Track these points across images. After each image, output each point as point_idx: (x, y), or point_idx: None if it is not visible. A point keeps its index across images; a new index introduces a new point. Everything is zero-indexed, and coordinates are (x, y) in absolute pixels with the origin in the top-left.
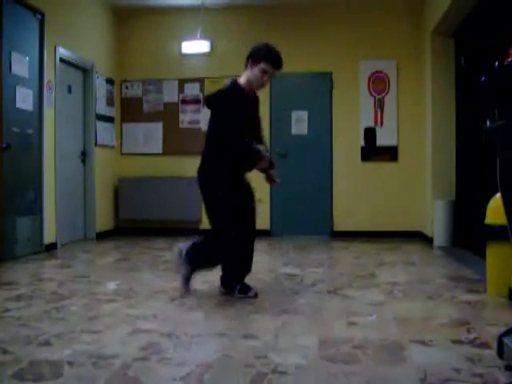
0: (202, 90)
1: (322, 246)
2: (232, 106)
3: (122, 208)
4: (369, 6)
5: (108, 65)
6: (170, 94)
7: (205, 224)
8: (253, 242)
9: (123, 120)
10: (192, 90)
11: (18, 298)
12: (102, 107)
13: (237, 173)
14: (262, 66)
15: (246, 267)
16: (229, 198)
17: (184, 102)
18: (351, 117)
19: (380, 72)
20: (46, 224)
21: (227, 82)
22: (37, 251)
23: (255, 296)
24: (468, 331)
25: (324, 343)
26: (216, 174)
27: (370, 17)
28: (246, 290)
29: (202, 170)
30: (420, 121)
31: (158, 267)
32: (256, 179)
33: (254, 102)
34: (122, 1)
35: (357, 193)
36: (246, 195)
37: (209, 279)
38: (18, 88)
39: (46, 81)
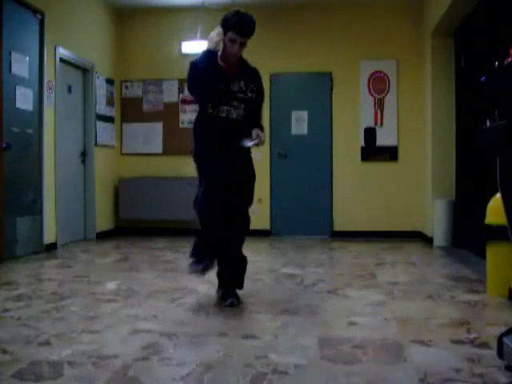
0: None
1: (322, 246)
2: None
3: (122, 208)
4: (369, 6)
5: (108, 65)
6: (170, 94)
7: None
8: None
9: (123, 120)
10: None
11: (18, 297)
12: (101, 107)
13: (211, 142)
14: (230, 35)
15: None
16: (202, 172)
17: (184, 101)
18: (351, 117)
19: (380, 72)
20: (46, 224)
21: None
22: (37, 251)
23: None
24: (468, 331)
25: (324, 343)
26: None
27: (370, 17)
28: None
29: None
30: (420, 121)
31: (158, 267)
32: (258, 178)
33: (238, 74)
34: (122, 1)
35: (357, 193)
36: (222, 170)
37: (209, 279)
38: (18, 88)
39: (46, 81)
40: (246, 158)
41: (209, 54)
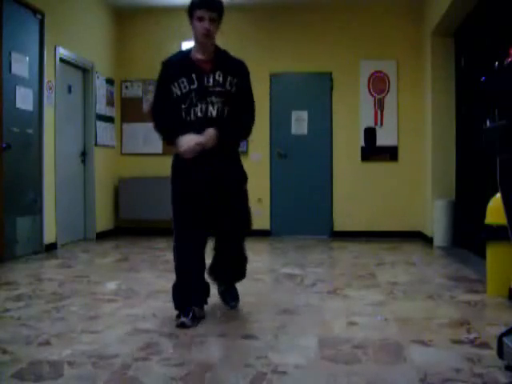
0: None
1: (322, 246)
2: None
3: (122, 208)
4: (369, 7)
5: (108, 65)
6: None
7: None
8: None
9: (123, 120)
10: None
11: (18, 297)
12: (101, 107)
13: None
14: (197, 14)
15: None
16: (173, 195)
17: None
18: (351, 117)
19: (380, 72)
20: (46, 224)
21: None
22: (37, 251)
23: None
24: (468, 331)
25: (324, 343)
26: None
27: (370, 17)
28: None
29: None
30: (420, 121)
31: (158, 267)
32: (258, 178)
33: (215, 66)
34: (122, 1)
35: (357, 193)
36: (192, 192)
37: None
38: (17, 88)
39: (46, 81)
40: (234, 161)
41: (180, 53)
